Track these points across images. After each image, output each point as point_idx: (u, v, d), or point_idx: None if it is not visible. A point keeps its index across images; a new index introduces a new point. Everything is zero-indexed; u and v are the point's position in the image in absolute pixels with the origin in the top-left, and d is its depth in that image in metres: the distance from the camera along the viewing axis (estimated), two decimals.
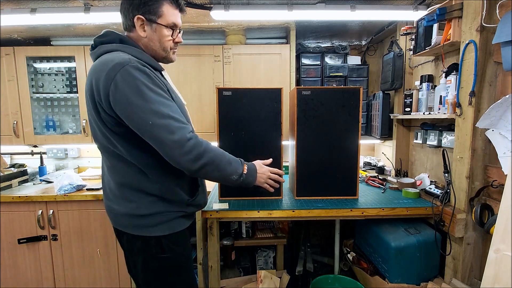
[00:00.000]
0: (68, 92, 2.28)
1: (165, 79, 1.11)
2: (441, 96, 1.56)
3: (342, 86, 2.26)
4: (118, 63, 0.90)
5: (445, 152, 1.52)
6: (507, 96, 1.16)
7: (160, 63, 1.10)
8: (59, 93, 2.26)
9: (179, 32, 1.09)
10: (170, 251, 1.04)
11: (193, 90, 2.11)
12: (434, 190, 1.63)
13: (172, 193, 1.04)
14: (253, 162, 1.18)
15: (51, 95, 2.23)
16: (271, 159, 1.29)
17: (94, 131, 1.03)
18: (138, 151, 0.98)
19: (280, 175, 1.26)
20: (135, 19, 1.00)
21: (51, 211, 1.80)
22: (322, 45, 2.46)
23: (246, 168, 1.09)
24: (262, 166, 1.19)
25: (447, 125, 1.60)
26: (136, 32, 1.02)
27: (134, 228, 1.02)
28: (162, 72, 1.13)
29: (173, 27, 1.05)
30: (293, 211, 1.48)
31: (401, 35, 1.84)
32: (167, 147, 0.91)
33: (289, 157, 1.87)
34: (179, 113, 0.97)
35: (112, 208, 1.06)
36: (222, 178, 1.05)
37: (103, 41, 1.01)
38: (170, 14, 1.03)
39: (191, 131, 0.96)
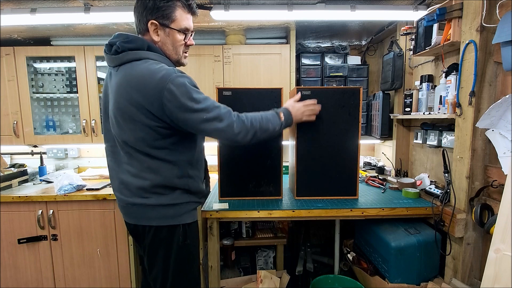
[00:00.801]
0: (68, 92, 2.28)
1: None
2: (441, 96, 1.56)
3: (342, 86, 2.26)
4: (166, 74, 0.97)
5: (445, 152, 1.52)
6: (507, 96, 1.16)
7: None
8: (59, 93, 2.26)
9: (191, 34, 1.14)
10: (190, 238, 1.14)
11: None
12: (434, 190, 1.63)
13: (195, 185, 1.15)
14: (285, 105, 1.33)
15: (51, 95, 2.23)
16: (299, 94, 1.43)
17: (126, 136, 1.05)
18: (176, 151, 1.08)
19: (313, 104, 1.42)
20: (149, 24, 1.04)
21: (51, 211, 1.80)
22: (322, 45, 2.46)
23: (282, 115, 1.24)
24: (294, 106, 1.33)
25: (447, 125, 1.60)
26: (149, 35, 1.07)
27: (162, 219, 1.09)
28: None
29: (185, 31, 1.10)
30: (293, 211, 1.48)
31: (401, 35, 1.84)
32: (223, 133, 1.06)
33: (289, 157, 1.87)
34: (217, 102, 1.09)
35: (136, 204, 1.08)
36: (270, 135, 1.20)
37: (131, 47, 1.02)
38: (183, 18, 1.08)
39: (233, 112, 1.11)
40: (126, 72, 1.01)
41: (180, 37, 1.09)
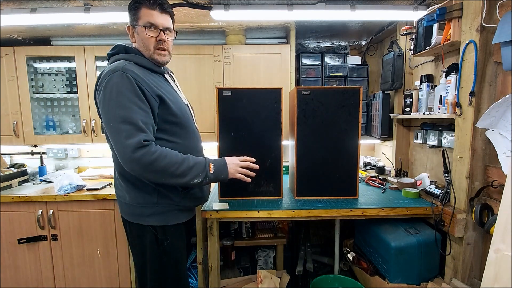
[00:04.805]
0: (68, 92, 2.28)
1: (167, 81, 1.19)
2: (441, 96, 1.56)
3: (342, 86, 2.26)
4: (110, 70, 1.03)
5: (445, 152, 1.52)
6: (507, 96, 1.16)
7: (167, 66, 1.22)
8: (59, 93, 2.26)
9: (161, 31, 1.13)
10: (165, 241, 1.12)
11: (193, 90, 2.11)
12: (434, 190, 1.63)
13: (166, 185, 1.10)
14: (227, 157, 1.20)
15: (51, 95, 2.23)
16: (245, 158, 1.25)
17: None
18: None
19: (251, 162, 1.24)
20: (127, 29, 1.17)
21: (51, 211, 1.80)
22: (322, 45, 2.46)
23: (212, 166, 1.11)
24: (232, 159, 1.20)
25: (447, 125, 1.60)
26: (131, 39, 1.18)
27: (133, 216, 1.13)
28: (166, 74, 1.20)
29: (147, 25, 1.11)
30: (293, 211, 1.48)
31: (401, 35, 1.84)
32: (118, 150, 0.99)
33: (289, 157, 1.87)
34: (147, 121, 1.02)
35: (118, 196, 1.20)
36: (182, 183, 1.06)
37: (113, 53, 1.16)
38: (146, 14, 1.12)
39: (148, 140, 1.00)
40: None
41: (145, 31, 1.11)
